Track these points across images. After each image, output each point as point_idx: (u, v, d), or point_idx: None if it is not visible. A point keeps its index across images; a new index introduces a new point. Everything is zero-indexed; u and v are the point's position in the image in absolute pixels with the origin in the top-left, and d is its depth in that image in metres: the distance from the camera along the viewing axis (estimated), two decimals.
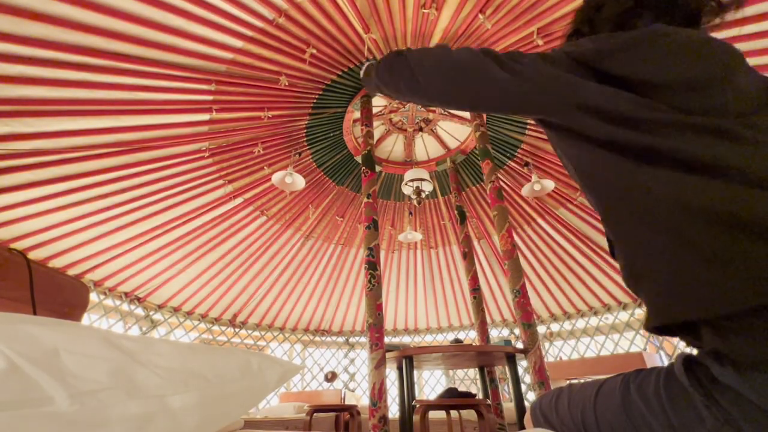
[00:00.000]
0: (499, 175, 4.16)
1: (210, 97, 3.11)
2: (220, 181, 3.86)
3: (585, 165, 0.59)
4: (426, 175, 3.60)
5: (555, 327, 5.80)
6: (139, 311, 4.70)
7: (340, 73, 3.28)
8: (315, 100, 3.48)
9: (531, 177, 3.80)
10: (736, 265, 0.40)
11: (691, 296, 0.44)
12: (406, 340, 6.63)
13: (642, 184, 0.49)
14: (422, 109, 3.88)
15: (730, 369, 0.41)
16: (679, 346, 4.20)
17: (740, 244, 0.40)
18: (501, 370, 4.97)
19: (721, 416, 0.41)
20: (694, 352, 0.49)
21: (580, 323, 5.53)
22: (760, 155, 0.44)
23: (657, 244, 0.47)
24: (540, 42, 2.84)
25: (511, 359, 2.34)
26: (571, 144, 0.60)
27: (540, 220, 4.59)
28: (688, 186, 0.46)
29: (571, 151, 0.60)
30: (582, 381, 0.66)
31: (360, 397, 6.15)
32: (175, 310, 4.99)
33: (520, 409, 2.21)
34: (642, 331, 4.95)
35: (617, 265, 0.57)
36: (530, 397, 4.95)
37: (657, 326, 0.49)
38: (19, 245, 3.43)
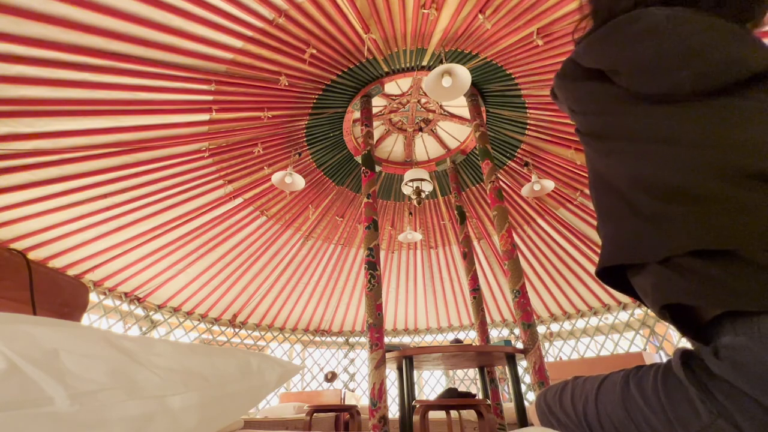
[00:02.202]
0: (499, 175, 4.16)
1: (210, 97, 3.11)
2: (220, 181, 3.86)
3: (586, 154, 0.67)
4: (426, 175, 3.60)
5: (555, 327, 5.80)
6: (139, 311, 4.70)
7: (340, 73, 3.28)
8: (315, 100, 3.48)
9: (531, 177, 3.80)
10: (664, 223, 0.47)
11: (629, 245, 0.52)
12: (406, 340, 6.63)
13: (599, 158, 0.60)
14: (422, 108, 3.89)
15: (728, 363, 0.41)
16: (678, 346, 4.20)
17: (666, 207, 0.48)
18: (501, 370, 4.97)
19: (715, 410, 0.41)
20: (690, 346, 0.50)
21: (580, 323, 5.53)
22: (686, 133, 0.49)
23: (609, 206, 0.58)
24: (540, 42, 2.84)
25: (511, 359, 2.34)
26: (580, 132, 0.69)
27: (540, 220, 4.59)
28: (625, 159, 0.54)
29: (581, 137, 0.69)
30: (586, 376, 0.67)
31: (360, 397, 6.16)
32: (175, 310, 5.00)
33: (520, 409, 2.22)
34: (642, 331, 4.95)
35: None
36: (530, 397, 4.96)
37: (600, 269, 0.57)
38: (19, 245, 3.44)
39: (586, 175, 3.96)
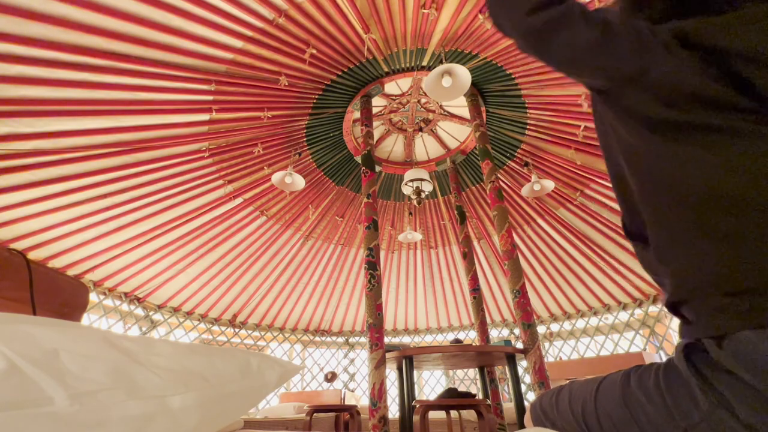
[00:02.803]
0: (499, 175, 4.16)
1: (210, 97, 3.11)
2: (220, 181, 3.86)
3: (633, 143, 0.55)
4: (426, 175, 3.60)
5: (555, 327, 5.80)
6: (139, 311, 4.70)
7: (340, 73, 3.28)
8: (315, 100, 3.48)
9: (531, 177, 3.80)
10: (747, 247, 0.42)
11: (705, 273, 0.45)
12: (406, 340, 6.63)
13: (676, 164, 0.48)
14: (422, 108, 3.89)
15: (729, 351, 0.41)
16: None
17: (753, 228, 0.42)
18: (501, 370, 4.97)
19: (715, 399, 0.41)
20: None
21: (580, 323, 5.53)
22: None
23: (681, 224, 0.48)
24: None
25: (511, 359, 2.34)
26: (622, 119, 0.55)
27: (540, 220, 4.59)
28: (709, 169, 0.45)
29: (621, 125, 0.56)
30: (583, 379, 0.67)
31: (360, 397, 6.15)
32: (175, 310, 4.99)
33: (520, 409, 2.22)
34: (642, 331, 4.95)
35: (631, 248, 0.56)
36: (530, 397, 4.95)
37: (673, 302, 0.50)
38: (19, 245, 3.43)
39: (586, 175, 3.97)
